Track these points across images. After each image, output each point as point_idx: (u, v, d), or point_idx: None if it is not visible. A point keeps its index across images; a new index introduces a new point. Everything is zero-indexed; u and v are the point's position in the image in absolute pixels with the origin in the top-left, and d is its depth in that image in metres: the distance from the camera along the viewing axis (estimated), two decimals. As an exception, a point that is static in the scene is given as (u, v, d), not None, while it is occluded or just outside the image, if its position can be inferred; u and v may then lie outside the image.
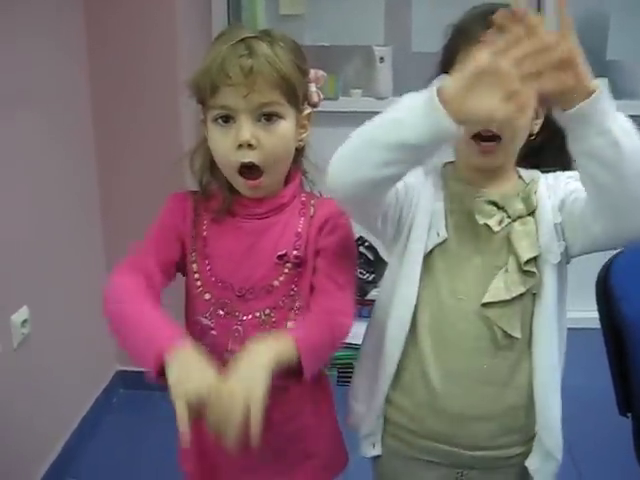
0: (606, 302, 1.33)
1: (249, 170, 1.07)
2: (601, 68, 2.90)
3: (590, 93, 0.89)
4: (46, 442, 2.04)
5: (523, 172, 1.14)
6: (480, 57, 0.87)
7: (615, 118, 0.91)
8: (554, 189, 1.09)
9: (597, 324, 1.35)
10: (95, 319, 2.32)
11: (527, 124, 1.06)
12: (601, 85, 0.91)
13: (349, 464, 1.28)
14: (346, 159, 0.99)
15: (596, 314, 1.35)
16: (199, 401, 0.91)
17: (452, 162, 1.16)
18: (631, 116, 3.08)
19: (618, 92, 3.20)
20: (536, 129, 1.09)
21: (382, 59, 2.71)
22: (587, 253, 1.07)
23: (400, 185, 1.08)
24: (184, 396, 0.91)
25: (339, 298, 1.10)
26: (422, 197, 1.11)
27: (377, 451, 1.20)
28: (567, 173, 1.11)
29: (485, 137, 1.04)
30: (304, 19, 2.85)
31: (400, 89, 2.62)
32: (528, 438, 1.13)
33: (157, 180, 1.94)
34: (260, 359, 0.96)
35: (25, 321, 1.88)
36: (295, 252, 1.11)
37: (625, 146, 0.90)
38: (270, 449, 1.15)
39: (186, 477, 1.24)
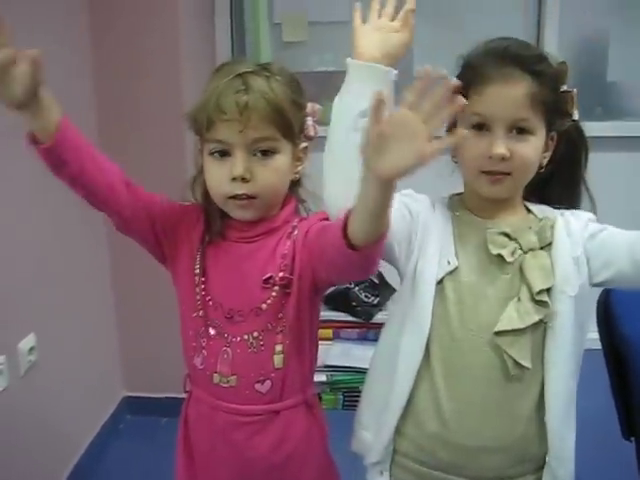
0: (607, 323, 1.34)
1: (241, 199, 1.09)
2: (601, 89, 2.92)
3: None
4: (53, 469, 2.04)
5: (532, 206, 1.15)
6: (377, 126, 0.87)
7: None
8: (575, 225, 1.11)
9: (598, 345, 1.36)
10: (102, 346, 2.37)
11: (537, 158, 1.08)
12: None
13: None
14: (330, 186, 1.08)
15: (597, 335, 1.35)
16: None
17: (458, 194, 1.18)
18: (632, 137, 3.10)
19: (619, 113, 3.22)
20: (545, 162, 1.11)
21: (384, 83, 2.73)
22: (609, 286, 1.10)
23: (406, 211, 1.11)
24: None
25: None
26: (431, 225, 1.12)
27: (385, 478, 1.18)
28: (588, 215, 1.13)
29: (494, 172, 1.07)
30: (307, 45, 2.89)
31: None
32: (538, 467, 1.12)
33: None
34: None
35: (32, 348, 1.89)
36: (281, 274, 1.12)
37: None
38: (259, 476, 1.18)
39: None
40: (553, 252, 1.09)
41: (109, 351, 2.45)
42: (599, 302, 1.36)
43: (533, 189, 1.15)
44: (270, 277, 1.12)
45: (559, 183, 1.16)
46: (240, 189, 1.08)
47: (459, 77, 1.10)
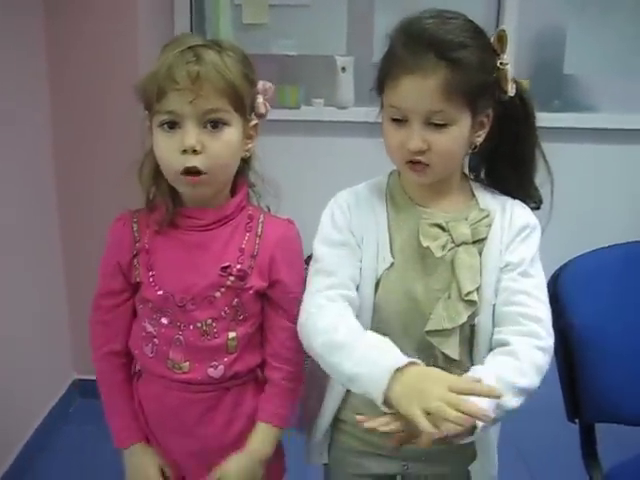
0: (555, 310, 1.35)
1: (192, 174, 1.08)
2: (558, 82, 2.96)
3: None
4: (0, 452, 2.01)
5: (478, 191, 1.14)
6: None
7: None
8: (508, 234, 1.10)
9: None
10: (52, 328, 2.32)
11: (459, 146, 1.06)
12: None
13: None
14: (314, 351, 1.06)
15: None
16: None
17: (397, 170, 1.16)
18: (588, 129, 3.14)
19: (575, 106, 3.27)
20: (479, 141, 1.10)
21: (344, 69, 2.73)
22: None
23: (346, 250, 1.10)
24: None
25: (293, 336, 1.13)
26: (366, 224, 1.11)
27: (324, 459, 1.22)
28: (525, 220, 1.12)
29: (415, 163, 1.06)
30: (267, 28, 2.86)
31: (361, 99, 2.64)
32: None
33: (115, 188, 1.93)
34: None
35: (-22, 329, 1.85)
36: (239, 266, 1.13)
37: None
38: (210, 451, 1.19)
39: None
40: (484, 255, 1.09)
41: (59, 333, 2.41)
42: (547, 290, 1.38)
43: (479, 165, 1.15)
44: (228, 266, 1.12)
45: (504, 160, 1.14)
46: (191, 162, 1.06)
47: (382, 62, 1.08)
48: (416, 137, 1.03)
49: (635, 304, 1.38)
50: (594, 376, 1.35)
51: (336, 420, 1.19)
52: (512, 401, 0.98)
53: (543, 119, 3.19)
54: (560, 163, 3.28)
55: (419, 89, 1.01)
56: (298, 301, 1.11)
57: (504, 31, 1.07)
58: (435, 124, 1.03)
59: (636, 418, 1.38)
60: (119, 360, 1.21)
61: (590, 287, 1.37)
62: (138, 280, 1.15)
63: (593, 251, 1.41)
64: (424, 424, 0.86)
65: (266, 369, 1.20)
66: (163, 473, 1.20)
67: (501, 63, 1.07)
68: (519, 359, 1.01)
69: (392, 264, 1.10)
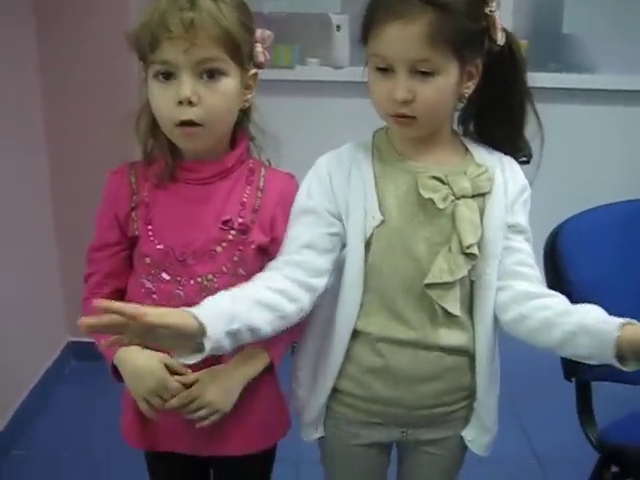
0: (553, 269, 1.36)
1: (187, 125, 1.05)
2: (557, 41, 2.92)
3: None
4: (-6, 414, 2.01)
5: (471, 146, 1.12)
6: None
7: None
8: (512, 191, 1.09)
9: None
10: (46, 290, 2.31)
11: (446, 97, 1.03)
12: None
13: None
14: None
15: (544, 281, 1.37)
16: (158, 397, 1.10)
17: (384, 128, 1.13)
18: (586, 90, 3.10)
19: (574, 66, 3.24)
20: (468, 92, 1.07)
21: (339, 27, 2.68)
22: None
23: (326, 221, 1.08)
24: (142, 397, 1.10)
25: None
26: (349, 191, 1.09)
27: (320, 433, 1.20)
28: (523, 182, 1.11)
29: (401, 116, 1.03)
30: (261, -14, 2.80)
31: (357, 58, 2.59)
32: (469, 394, 1.15)
33: (106, 142, 1.89)
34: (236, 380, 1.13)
35: (-29, 290, 1.84)
36: (240, 220, 1.11)
37: None
38: None
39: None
40: (488, 210, 1.07)
41: (53, 295, 2.39)
42: (546, 248, 1.38)
43: (468, 118, 1.13)
44: (229, 220, 1.10)
45: (493, 112, 1.12)
46: (187, 114, 1.03)
47: (364, 14, 1.05)
48: (401, 87, 1.00)
49: (634, 262, 1.38)
50: (592, 334, 1.34)
51: (333, 391, 1.16)
52: None
53: (541, 79, 3.15)
54: (558, 124, 3.26)
55: (404, 36, 0.98)
56: None
57: None
58: (421, 73, 1.00)
59: (631, 377, 1.37)
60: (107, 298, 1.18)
61: (588, 245, 1.37)
62: (136, 234, 1.13)
63: (591, 209, 1.41)
64: None
65: None
66: (168, 367, 1.11)
67: (490, 10, 1.03)
68: None
69: (382, 221, 1.07)
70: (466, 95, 1.07)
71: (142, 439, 1.21)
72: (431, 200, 1.05)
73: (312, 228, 1.08)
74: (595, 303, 1.32)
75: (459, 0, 1.00)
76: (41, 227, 2.29)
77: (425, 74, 1.00)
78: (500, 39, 1.06)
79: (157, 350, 1.08)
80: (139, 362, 1.10)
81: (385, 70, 1.02)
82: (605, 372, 1.36)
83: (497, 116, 1.12)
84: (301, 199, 1.11)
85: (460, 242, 1.05)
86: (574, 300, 1.34)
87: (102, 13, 2.18)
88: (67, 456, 2.02)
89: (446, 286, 1.06)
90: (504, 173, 1.10)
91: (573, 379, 1.39)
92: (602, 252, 1.37)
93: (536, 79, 3.06)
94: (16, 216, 2.10)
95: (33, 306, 2.22)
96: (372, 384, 1.13)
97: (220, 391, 1.11)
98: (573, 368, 1.37)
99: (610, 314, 1.34)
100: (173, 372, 1.10)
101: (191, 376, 1.10)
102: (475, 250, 1.05)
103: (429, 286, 1.06)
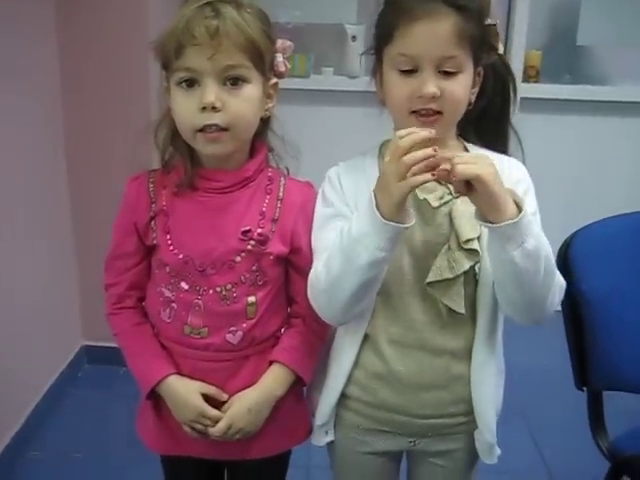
0: (565, 279, 1.35)
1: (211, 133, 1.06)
2: (571, 53, 2.93)
3: (512, 214, 0.94)
4: (8, 416, 2.02)
5: (471, 147, 1.13)
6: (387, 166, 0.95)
7: (533, 238, 0.96)
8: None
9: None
10: (62, 293, 2.34)
11: (466, 96, 1.06)
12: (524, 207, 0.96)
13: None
14: (323, 302, 1.07)
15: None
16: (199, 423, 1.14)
17: (390, 139, 1.12)
18: (600, 101, 3.12)
19: (587, 78, 3.25)
20: (473, 98, 1.09)
21: (354, 37, 2.71)
22: None
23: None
24: (185, 424, 1.15)
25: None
26: (359, 192, 1.09)
27: (330, 437, 1.21)
28: (519, 175, 1.11)
29: (425, 113, 1.04)
30: (276, -4, 2.83)
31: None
32: (470, 410, 1.14)
33: (125, 152, 1.92)
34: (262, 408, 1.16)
35: (-12, 292, 1.86)
36: (259, 230, 1.11)
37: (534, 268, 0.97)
38: None
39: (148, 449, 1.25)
40: None
41: (69, 299, 2.42)
42: (558, 259, 1.38)
43: (467, 127, 1.13)
44: (249, 230, 1.11)
45: (491, 119, 1.14)
46: (211, 119, 1.04)
47: (383, 17, 1.07)
48: (431, 82, 1.02)
49: (645, 272, 1.37)
50: (603, 344, 1.35)
51: (342, 397, 1.17)
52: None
53: (555, 92, 3.17)
54: (572, 135, 3.27)
55: (432, 34, 1.01)
56: None
57: None
58: (446, 72, 1.02)
59: (643, 387, 1.38)
60: (134, 311, 1.20)
61: (600, 255, 1.37)
62: (155, 242, 1.14)
63: (603, 220, 1.41)
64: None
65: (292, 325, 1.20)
66: (207, 398, 1.15)
67: (489, 24, 1.08)
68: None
69: None
70: (472, 100, 1.09)
71: (161, 442, 1.22)
72: (426, 200, 1.06)
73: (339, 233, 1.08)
74: (605, 313, 1.34)
75: (474, 7, 1.04)
76: (58, 232, 2.32)
77: (449, 73, 1.02)
78: (500, 48, 1.11)
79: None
80: (180, 392, 1.14)
81: (408, 72, 1.03)
82: (617, 381, 1.38)
83: (492, 125, 1.15)
84: (319, 209, 1.12)
85: (458, 238, 1.05)
86: (585, 310, 1.36)
87: (119, 9, 2.19)
88: (80, 457, 2.03)
89: (448, 283, 1.06)
90: (501, 168, 1.06)
91: (584, 389, 1.39)
92: (613, 262, 1.37)
93: (550, 91, 3.09)
94: (34, 221, 2.12)
95: (48, 309, 2.24)
96: (377, 390, 1.14)
97: (252, 416, 1.15)
98: (584, 377, 1.37)
99: (622, 323, 1.35)
100: (210, 398, 1.15)
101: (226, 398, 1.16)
102: (475, 245, 1.05)
103: (431, 284, 1.06)
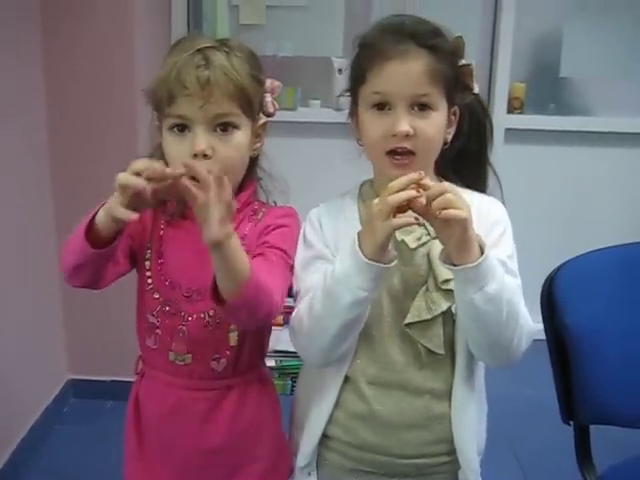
0: (550, 314, 1.36)
1: None
2: (554, 85, 2.97)
3: (475, 257, 0.95)
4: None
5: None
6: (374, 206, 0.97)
7: (495, 282, 0.97)
8: (486, 231, 1.07)
9: (542, 335, 1.38)
10: (47, 328, 2.32)
11: (440, 135, 1.08)
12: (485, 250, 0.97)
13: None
14: (306, 344, 1.09)
15: (541, 325, 1.37)
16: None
17: (369, 180, 1.17)
18: (584, 132, 3.17)
19: (571, 109, 3.31)
20: (449, 138, 1.11)
21: (340, 70, 2.74)
22: None
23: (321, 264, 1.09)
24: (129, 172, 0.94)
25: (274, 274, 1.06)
26: (339, 234, 1.10)
27: (313, 479, 1.19)
28: (496, 216, 1.11)
29: (399, 152, 1.05)
30: (264, 29, 2.87)
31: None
32: (452, 449, 1.13)
33: (111, 187, 1.92)
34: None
35: (-28, 328, 1.85)
36: None
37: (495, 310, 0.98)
38: (214, 452, 1.17)
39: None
40: None
41: (54, 333, 2.40)
42: (542, 292, 1.38)
43: (446, 167, 1.15)
44: None
45: (468, 159, 1.16)
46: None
47: (357, 58, 1.10)
48: (403, 120, 1.03)
49: (630, 306, 1.38)
50: (589, 377, 1.35)
51: (323, 437, 1.16)
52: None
53: (539, 122, 3.21)
54: (556, 167, 3.31)
55: (404, 72, 1.03)
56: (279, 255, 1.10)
57: (461, 37, 1.11)
58: (420, 107, 1.04)
59: (630, 420, 1.38)
60: None
61: (585, 288, 1.37)
62: (147, 266, 1.14)
63: (588, 253, 1.41)
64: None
65: None
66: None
67: (463, 64, 1.11)
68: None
69: None
70: (448, 140, 1.11)
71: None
72: (404, 241, 1.07)
73: (321, 275, 1.07)
74: (591, 346, 1.35)
75: (446, 42, 1.07)
76: (44, 264, 2.31)
77: (423, 109, 1.04)
78: (476, 88, 1.13)
79: None
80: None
81: (382, 108, 1.05)
82: (604, 415, 1.37)
83: (469, 165, 1.16)
84: (301, 252, 1.13)
85: (436, 279, 1.06)
86: (570, 343, 1.36)
87: (108, 60, 2.22)
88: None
89: (426, 324, 1.07)
90: (479, 209, 1.09)
91: (571, 422, 1.39)
92: (598, 296, 1.37)
93: (534, 121, 3.13)
94: (17, 253, 2.11)
95: (35, 344, 2.22)
96: (359, 430, 1.13)
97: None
98: (570, 411, 1.37)
99: (608, 357, 1.35)
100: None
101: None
102: (451, 285, 1.05)
103: (409, 326, 1.07)
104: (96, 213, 1.01)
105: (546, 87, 2.96)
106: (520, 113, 2.89)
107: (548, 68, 2.96)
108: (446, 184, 0.97)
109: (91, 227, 1.01)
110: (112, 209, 0.96)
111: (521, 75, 2.91)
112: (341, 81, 2.74)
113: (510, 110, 2.88)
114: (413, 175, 0.95)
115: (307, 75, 2.91)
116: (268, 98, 1.15)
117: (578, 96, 2.99)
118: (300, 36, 2.89)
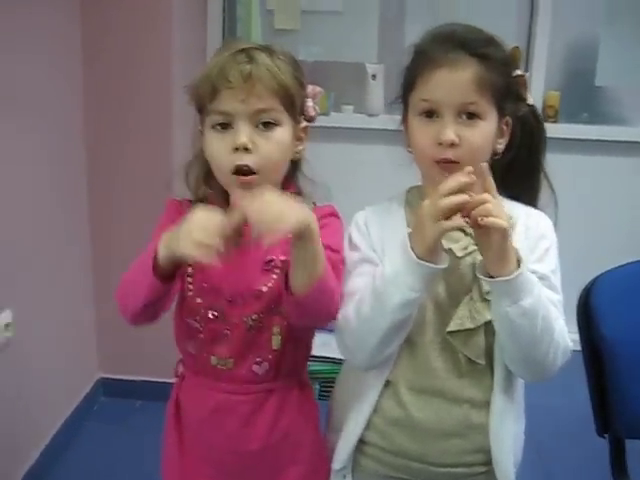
0: (586, 324, 1.35)
1: (243, 173, 1.07)
2: (590, 94, 2.94)
3: (512, 270, 0.95)
4: (24, 449, 2.02)
5: (502, 202, 1.13)
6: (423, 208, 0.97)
7: (531, 297, 0.98)
8: (531, 245, 1.08)
9: (578, 346, 1.36)
10: (78, 326, 2.35)
11: (488, 145, 1.07)
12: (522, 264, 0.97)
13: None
14: (353, 346, 1.08)
15: (577, 336, 1.36)
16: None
17: (417, 186, 1.17)
18: (618, 142, 3.13)
19: (606, 118, 3.26)
20: (501, 149, 1.11)
21: (374, 76, 2.74)
22: None
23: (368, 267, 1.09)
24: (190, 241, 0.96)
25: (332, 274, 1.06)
26: (386, 239, 1.11)
27: None
28: (542, 230, 1.11)
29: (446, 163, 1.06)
30: (299, 34, 2.87)
31: (391, 107, 2.63)
32: (488, 460, 1.13)
33: (146, 191, 1.95)
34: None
35: (8, 325, 1.87)
36: (282, 257, 1.11)
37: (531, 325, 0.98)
38: (254, 455, 1.17)
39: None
40: None
41: (86, 332, 2.43)
42: (579, 303, 1.37)
43: (495, 178, 1.15)
44: (271, 260, 1.12)
45: (518, 171, 1.15)
46: (242, 159, 1.06)
47: (409, 65, 1.10)
48: (449, 128, 1.03)
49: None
50: (625, 390, 1.33)
51: (359, 443, 1.16)
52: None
53: (573, 131, 3.16)
54: (591, 176, 3.25)
55: (452, 81, 1.03)
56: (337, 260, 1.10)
57: (518, 48, 1.11)
58: (468, 116, 1.04)
59: (667, 435, 1.36)
60: None
61: (622, 300, 1.36)
62: (189, 272, 1.13)
63: (626, 264, 1.40)
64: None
65: None
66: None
67: (518, 74, 1.10)
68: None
69: None
70: (499, 151, 1.10)
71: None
72: (451, 250, 1.07)
73: (367, 277, 1.08)
74: (628, 358, 1.33)
75: (499, 51, 1.07)
76: (77, 263, 2.34)
77: (471, 118, 1.04)
78: (530, 99, 1.12)
79: None
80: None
81: (430, 115, 1.05)
82: None
83: (520, 177, 1.16)
84: (347, 254, 1.13)
85: (480, 288, 1.05)
86: (607, 355, 1.34)
87: (145, 64, 2.25)
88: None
89: (469, 333, 1.06)
90: (527, 222, 1.11)
91: (606, 435, 1.37)
92: (636, 307, 1.35)
93: (568, 130, 3.09)
94: (52, 258, 2.14)
95: (66, 343, 2.25)
96: (395, 436, 1.13)
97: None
98: (605, 424, 1.35)
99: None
100: None
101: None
102: None
103: (451, 334, 1.07)
104: (155, 250, 1.01)
105: (581, 96, 2.93)
106: (554, 122, 2.87)
107: (583, 76, 2.93)
108: (486, 194, 0.97)
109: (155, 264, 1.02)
110: (180, 249, 0.96)
111: (556, 84, 2.89)
112: (375, 87, 2.75)
113: (544, 119, 2.85)
114: (463, 178, 0.95)
115: (340, 80, 2.91)
116: (309, 103, 1.16)
117: (613, 105, 2.96)
118: (334, 41, 2.90)
